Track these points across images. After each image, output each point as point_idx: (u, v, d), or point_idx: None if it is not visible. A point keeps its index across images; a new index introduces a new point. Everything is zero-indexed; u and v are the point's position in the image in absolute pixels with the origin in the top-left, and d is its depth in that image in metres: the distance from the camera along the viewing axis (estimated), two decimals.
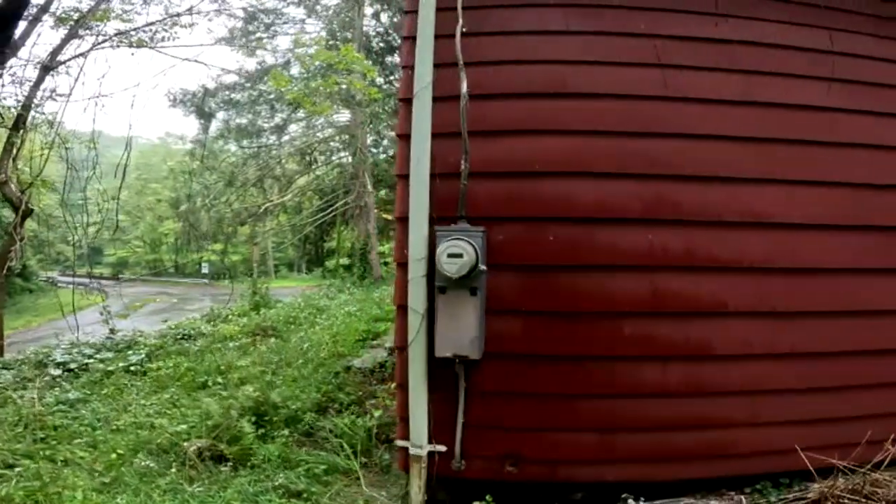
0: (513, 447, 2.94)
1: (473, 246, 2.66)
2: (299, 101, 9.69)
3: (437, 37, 2.91)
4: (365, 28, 18.72)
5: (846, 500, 2.85)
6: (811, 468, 2.93)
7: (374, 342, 6.86)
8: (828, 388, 3.06)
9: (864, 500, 2.84)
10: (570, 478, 3.00)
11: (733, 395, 3.00)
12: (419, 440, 2.87)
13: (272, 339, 8.03)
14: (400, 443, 2.97)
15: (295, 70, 17.02)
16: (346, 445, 3.49)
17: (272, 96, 18.69)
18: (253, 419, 3.93)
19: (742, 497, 3.07)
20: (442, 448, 2.91)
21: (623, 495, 2.90)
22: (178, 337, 8.86)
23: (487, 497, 2.79)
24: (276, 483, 3.06)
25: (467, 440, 2.91)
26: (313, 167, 22.05)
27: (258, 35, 18.36)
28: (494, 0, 3.09)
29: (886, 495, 2.82)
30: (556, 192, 2.98)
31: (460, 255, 2.60)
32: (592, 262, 2.95)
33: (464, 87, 2.84)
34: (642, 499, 2.89)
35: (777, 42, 3.16)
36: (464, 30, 2.93)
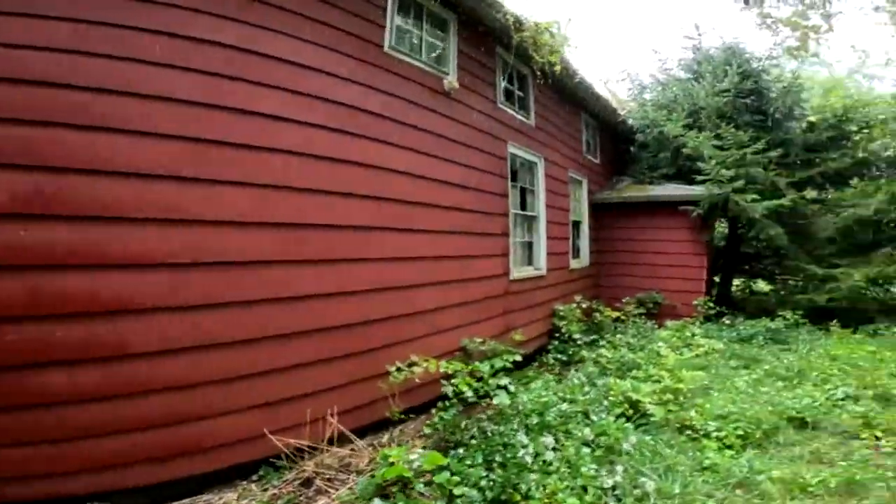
0: None
1: None
2: None
3: None
4: None
5: (332, 472, 3.13)
6: (286, 451, 3.11)
7: None
8: (269, 371, 3.26)
9: (345, 470, 3.16)
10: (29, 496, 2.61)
11: (184, 390, 2.92)
12: None
13: None
14: None
15: None
16: None
17: None
18: None
19: (252, 485, 3.11)
20: None
21: None
22: None
23: None
24: None
25: None
26: None
27: None
28: None
29: (357, 466, 3.19)
30: None
31: None
32: None
33: None
34: None
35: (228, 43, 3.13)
36: None
